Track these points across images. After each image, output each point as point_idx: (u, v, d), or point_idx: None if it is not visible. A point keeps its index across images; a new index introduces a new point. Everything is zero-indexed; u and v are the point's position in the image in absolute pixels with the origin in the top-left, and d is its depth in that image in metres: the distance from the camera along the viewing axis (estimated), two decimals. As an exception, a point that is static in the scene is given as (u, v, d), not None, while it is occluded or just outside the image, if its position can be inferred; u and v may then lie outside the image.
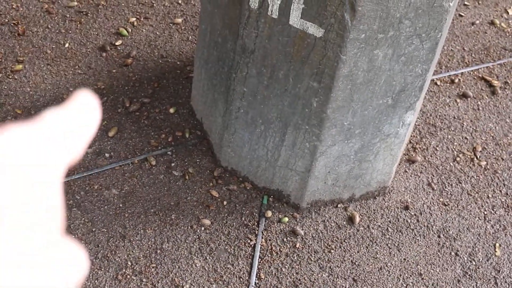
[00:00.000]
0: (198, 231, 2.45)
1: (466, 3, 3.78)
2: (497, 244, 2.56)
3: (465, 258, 2.49)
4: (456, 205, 2.67)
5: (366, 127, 2.27)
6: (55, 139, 0.36)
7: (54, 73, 2.96)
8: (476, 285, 2.42)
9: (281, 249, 2.43)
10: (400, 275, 2.41)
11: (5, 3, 3.27)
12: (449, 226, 2.59)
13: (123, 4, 3.37)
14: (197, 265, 2.35)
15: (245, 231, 2.47)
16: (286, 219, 2.52)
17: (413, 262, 2.46)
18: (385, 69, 2.07)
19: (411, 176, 2.76)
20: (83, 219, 2.43)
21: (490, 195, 2.73)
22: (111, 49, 3.11)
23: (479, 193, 2.73)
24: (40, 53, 3.04)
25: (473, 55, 3.42)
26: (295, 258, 2.41)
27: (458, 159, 2.86)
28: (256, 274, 2.35)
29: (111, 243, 2.37)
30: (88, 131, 0.39)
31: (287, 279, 2.35)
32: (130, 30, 3.23)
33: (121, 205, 2.49)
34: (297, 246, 2.45)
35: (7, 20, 3.19)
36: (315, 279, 2.36)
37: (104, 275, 2.28)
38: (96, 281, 2.26)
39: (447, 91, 3.18)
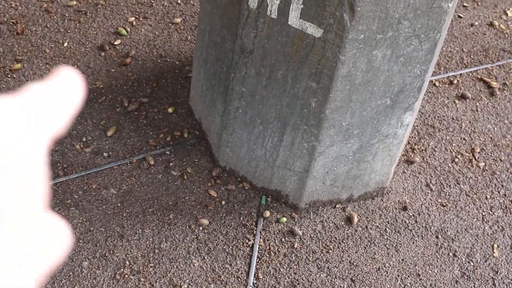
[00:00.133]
0: (196, 231, 2.45)
1: (465, 4, 3.78)
2: (495, 245, 2.56)
3: (463, 259, 2.50)
4: (454, 206, 2.68)
5: (364, 127, 2.27)
6: (37, 112, 0.36)
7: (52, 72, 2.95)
8: (474, 286, 2.42)
9: (279, 249, 2.43)
10: (398, 276, 2.41)
11: (4, 2, 3.27)
12: (447, 227, 2.59)
13: (122, 4, 3.37)
14: (195, 264, 2.35)
15: (243, 231, 2.47)
16: (284, 219, 2.52)
17: (411, 263, 2.46)
18: (383, 69, 2.07)
19: (409, 176, 2.76)
20: (81, 218, 2.43)
21: (488, 196, 2.73)
22: (110, 49, 3.11)
23: (478, 194, 2.74)
24: (39, 52, 3.04)
25: (472, 56, 3.43)
26: (293, 258, 2.41)
27: (456, 160, 2.86)
28: (254, 274, 2.35)
29: (109, 243, 2.37)
30: (72, 104, 0.38)
31: (285, 279, 2.35)
32: (129, 30, 3.22)
33: (119, 205, 2.48)
34: (295, 246, 2.45)
35: (6, 19, 3.18)
36: (313, 279, 2.36)
37: (102, 275, 2.28)
38: (94, 281, 2.26)
39: (446, 92, 3.19)
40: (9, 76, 2.90)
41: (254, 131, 2.41)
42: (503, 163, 2.88)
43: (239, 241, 2.44)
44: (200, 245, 2.41)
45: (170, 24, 3.30)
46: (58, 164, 2.58)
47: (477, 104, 3.15)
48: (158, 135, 2.75)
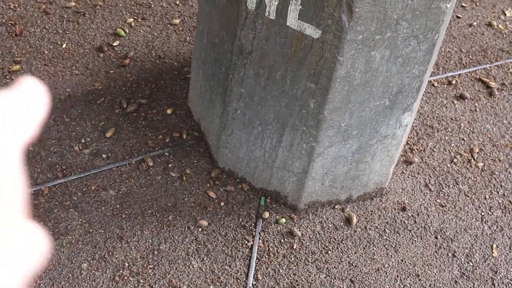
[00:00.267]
0: (195, 232, 2.45)
1: (463, 4, 3.78)
2: (494, 245, 2.56)
3: (462, 259, 2.50)
4: (453, 206, 2.68)
5: (363, 128, 2.27)
6: (5, 120, 0.36)
7: (51, 73, 2.95)
8: (473, 286, 2.42)
9: (278, 250, 2.43)
10: (397, 276, 2.41)
11: (2, 4, 3.27)
12: (446, 227, 2.59)
13: (120, 5, 3.37)
14: (194, 266, 2.35)
15: (242, 232, 2.47)
16: (283, 220, 2.52)
17: (410, 263, 2.46)
18: (382, 70, 2.07)
19: (408, 177, 2.76)
20: (80, 220, 2.43)
21: (487, 196, 2.74)
22: (108, 50, 3.11)
23: (476, 194, 2.74)
24: (38, 53, 3.04)
25: (470, 56, 3.43)
26: (292, 259, 2.41)
27: (455, 160, 2.86)
28: (254, 275, 2.35)
29: (108, 244, 2.37)
30: (38, 111, 0.39)
31: (284, 280, 2.35)
32: (127, 31, 3.22)
33: (118, 206, 2.48)
34: (295, 247, 2.45)
35: (4, 21, 3.18)
36: (312, 280, 2.36)
37: (102, 276, 2.28)
38: (93, 282, 2.26)
39: (444, 93, 3.19)
40: (7, 77, 2.90)
41: (253, 132, 2.41)
42: (502, 163, 2.88)
43: (238, 242, 2.44)
44: (199, 246, 2.41)
45: (168, 25, 3.30)
46: (57, 166, 2.58)
47: (476, 104, 3.15)
48: (157, 136, 2.75)
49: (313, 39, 2.00)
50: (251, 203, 2.57)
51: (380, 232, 2.54)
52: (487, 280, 2.45)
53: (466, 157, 2.88)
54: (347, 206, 2.61)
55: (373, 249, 2.48)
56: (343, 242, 2.49)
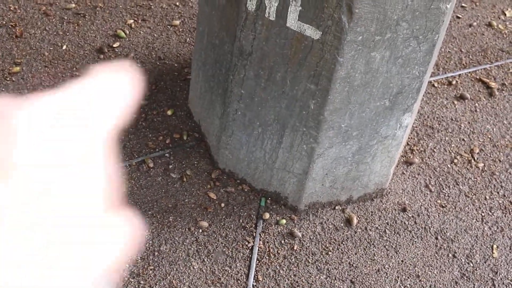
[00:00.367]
0: (195, 233, 2.45)
1: (463, 5, 3.78)
2: (495, 246, 2.56)
3: (463, 260, 2.50)
4: (453, 207, 2.68)
5: (363, 129, 2.27)
6: (99, 102, 0.36)
7: (51, 75, 2.95)
8: (474, 287, 2.42)
9: (278, 251, 2.43)
10: (398, 277, 2.41)
11: (2, 5, 3.27)
12: (447, 228, 2.59)
13: (120, 6, 3.37)
14: (194, 267, 2.35)
15: (242, 233, 2.47)
16: (284, 221, 2.52)
17: (410, 264, 2.46)
18: (382, 71, 2.07)
19: (408, 178, 2.76)
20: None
21: (487, 197, 2.74)
22: (108, 51, 3.11)
23: (477, 195, 2.74)
24: (38, 55, 3.04)
25: (470, 56, 3.43)
26: (292, 260, 2.41)
27: (455, 161, 2.86)
28: (254, 276, 2.35)
29: (108, 246, 2.37)
30: (132, 93, 0.38)
31: (285, 281, 2.35)
32: (127, 32, 3.23)
33: (118, 207, 2.48)
34: (295, 248, 2.45)
35: (4, 22, 3.19)
36: (312, 281, 2.36)
37: (102, 278, 2.28)
38: (93, 284, 2.26)
39: (445, 93, 3.19)
40: (8, 79, 2.90)
41: (253, 133, 2.41)
42: (502, 163, 2.88)
43: (238, 243, 2.44)
44: (200, 247, 2.41)
45: (168, 26, 3.31)
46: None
47: (476, 104, 3.15)
48: (157, 138, 2.75)
49: (313, 40, 2.00)
50: (251, 204, 2.57)
51: (381, 233, 2.54)
52: (487, 281, 2.45)
53: (466, 158, 2.88)
54: (347, 207, 2.61)
55: (373, 250, 2.48)
56: (343, 243, 2.49)
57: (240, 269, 2.36)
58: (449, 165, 2.84)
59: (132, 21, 3.29)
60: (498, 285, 2.44)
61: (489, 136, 3.00)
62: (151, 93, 2.93)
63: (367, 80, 2.08)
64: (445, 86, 3.23)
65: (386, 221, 2.58)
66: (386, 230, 2.55)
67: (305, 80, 2.12)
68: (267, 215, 2.53)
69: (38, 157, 0.32)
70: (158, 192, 2.55)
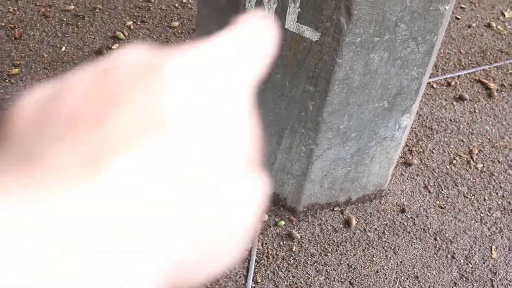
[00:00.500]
0: (194, 234, 2.44)
1: (462, 6, 3.78)
2: (494, 247, 2.56)
3: (462, 261, 2.50)
4: (452, 208, 2.68)
5: (362, 130, 2.27)
6: (236, 57, 0.34)
7: (50, 77, 2.96)
8: (473, 288, 2.43)
9: (277, 253, 2.43)
10: (397, 278, 2.41)
11: (1, 7, 3.27)
12: (446, 229, 2.60)
13: (119, 8, 3.37)
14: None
15: (241, 235, 2.47)
16: (283, 222, 2.52)
17: (409, 265, 2.46)
18: (381, 72, 2.07)
19: (407, 179, 2.76)
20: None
21: (486, 198, 2.74)
22: (108, 53, 3.11)
23: (476, 196, 2.74)
24: (37, 56, 3.04)
25: (469, 57, 3.43)
26: (291, 261, 2.41)
27: (454, 161, 2.86)
28: (253, 278, 2.35)
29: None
30: (269, 45, 0.36)
31: (284, 282, 2.35)
32: (127, 34, 3.23)
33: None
34: (294, 249, 2.45)
35: (3, 24, 3.19)
36: (311, 283, 2.36)
37: (101, 279, 2.28)
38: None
39: (444, 94, 3.19)
40: (7, 81, 2.90)
41: (252, 134, 2.40)
42: (501, 164, 2.88)
43: (237, 244, 2.43)
44: (199, 248, 2.40)
45: (168, 28, 3.31)
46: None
47: (475, 105, 3.15)
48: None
49: (312, 41, 2.00)
50: (250, 205, 2.56)
51: (379, 234, 2.54)
52: (486, 282, 2.45)
53: (465, 159, 2.88)
54: (346, 208, 2.61)
55: (372, 251, 2.48)
56: (342, 244, 2.49)
57: (239, 271, 2.36)
58: (448, 166, 2.84)
59: (131, 22, 3.29)
60: (497, 286, 2.44)
61: (488, 137, 3.00)
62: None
63: (365, 81, 2.08)
64: (444, 87, 3.23)
65: (385, 222, 2.58)
66: (385, 231, 2.55)
67: (303, 82, 2.12)
68: (265, 217, 2.53)
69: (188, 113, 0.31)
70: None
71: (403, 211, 2.63)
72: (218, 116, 0.32)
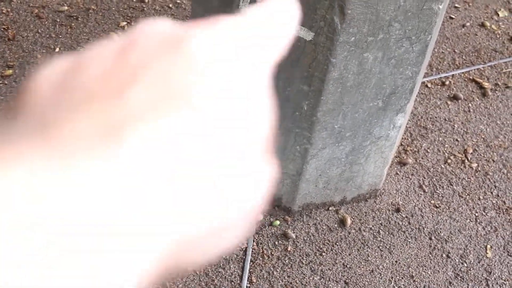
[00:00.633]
0: (189, 235, 2.44)
1: (456, 5, 3.79)
2: (488, 246, 2.56)
3: (457, 260, 2.50)
4: (447, 207, 2.68)
5: (356, 130, 2.27)
6: (254, 37, 0.33)
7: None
8: (468, 287, 2.42)
9: (272, 253, 2.43)
10: (392, 278, 2.41)
11: (-5, 8, 3.27)
12: (441, 228, 2.60)
13: (113, 9, 3.37)
14: (188, 269, 2.34)
15: (236, 235, 2.46)
16: (278, 222, 2.52)
17: (404, 265, 2.46)
18: (375, 72, 2.07)
19: (402, 178, 2.76)
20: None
21: (481, 197, 2.74)
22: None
23: (470, 195, 2.74)
24: (30, 58, 3.03)
25: (463, 57, 3.43)
26: (286, 261, 2.41)
27: (449, 161, 2.86)
28: (248, 277, 2.34)
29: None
30: (288, 28, 0.35)
31: (279, 282, 2.34)
32: (120, 35, 3.22)
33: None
34: (289, 249, 2.45)
35: (-3, 25, 3.18)
36: (306, 282, 2.36)
37: (95, 280, 2.27)
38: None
39: (438, 93, 3.19)
40: (0, 82, 2.89)
41: (247, 134, 2.40)
42: (495, 163, 2.89)
43: (232, 244, 2.43)
44: (194, 249, 2.40)
45: (161, 28, 3.30)
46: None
47: (469, 105, 3.16)
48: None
49: (306, 41, 2.00)
50: (245, 205, 2.56)
51: (374, 233, 2.54)
52: (481, 281, 2.45)
53: (460, 158, 2.89)
54: (341, 208, 2.61)
55: (367, 251, 2.48)
56: (337, 243, 2.49)
57: (234, 271, 2.36)
58: (442, 166, 2.84)
59: (125, 23, 3.29)
60: (492, 285, 2.44)
61: (483, 136, 3.00)
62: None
63: (360, 81, 2.08)
64: (439, 86, 3.23)
65: (380, 222, 2.58)
66: (380, 230, 2.55)
67: (298, 81, 2.11)
68: (260, 216, 2.52)
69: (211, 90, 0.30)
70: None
71: (398, 210, 2.63)
72: (240, 100, 0.31)
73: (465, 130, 3.02)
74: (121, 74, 0.29)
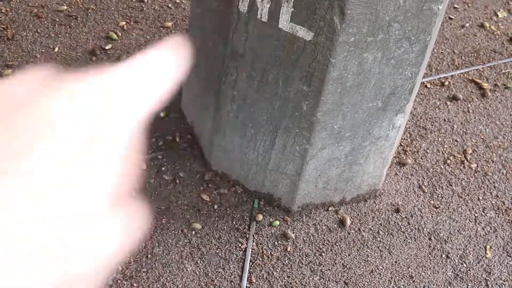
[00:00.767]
0: (189, 235, 2.44)
1: (455, 6, 3.79)
2: (488, 246, 2.56)
3: (456, 261, 2.50)
4: (446, 208, 2.68)
5: (356, 130, 2.27)
6: (138, 83, 0.34)
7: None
8: (467, 287, 2.42)
9: (272, 253, 2.43)
10: (391, 278, 2.41)
11: (-6, 8, 3.26)
12: (440, 229, 2.60)
13: (112, 8, 3.36)
14: (188, 269, 2.34)
15: (236, 235, 2.46)
16: (277, 222, 2.52)
17: (404, 265, 2.46)
18: (374, 72, 2.07)
19: (401, 178, 2.76)
20: (73, 224, 2.41)
21: (480, 197, 2.74)
22: (101, 53, 3.11)
23: (470, 196, 2.74)
24: (30, 57, 3.03)
25: (463, 57, 3.43)
26: (286, 261, 2.41)
27: (448, 161, 2.86)
28: (247, 278, 2.34)
29: (101, 248, 2.36)
30: (171, 76, 0.36)
31: (279, 282, 2.34)
32: (120, 34, 3.22)
33: (111, 210, 2.47)
34: (288, 249, 2.44)
35: (-4, 25, 3.18)
36: (306, 283, 2.36)
37: (95, 280, 2.27)
38: (86, 286, 2.25)
39: (437, 94, 3.19)
40: (-1, 81, 2.89)
41: (246, 134, 2.40)
42: (495, 164, 2.89)
43: (232, 245, 2.43)
44: (193, 249, 2.40)
45: (161, 28, 3.30)
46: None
47: (469, 105, 3.16)
48: (150, 140, 2.74)
49: (305, 41, 2.00)
50: (244, 205, 2.56)
51: (374, 234, 2.54)
52: (480, 281, 2.45)
53: (459, 158, 2.89)
54: (340, 208, 2.61)
55: (367, 251, 2.48)
56: (337, 244, 2.49)
57: (234, 271, 2.36)
58: (442, 166, 2.84)
59: (124, 23, 3.29)
60: (492, 286, 2.44)
61: (482, 137, 3.00)
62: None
63: (359, 81, 2.08)
64: (438, 87, 3.23)
65: (380, 222, 2.58)
66: (380, 231, 2.55)
67: (297, 81, 2.11)
68: (260, 217, 2.52)
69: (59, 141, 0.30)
70: (151, 194, 2.55)
71: (397, 211, 2.63)
72: (94, 152, 0.31)
73: (465, 130, 3.02)
74: None
